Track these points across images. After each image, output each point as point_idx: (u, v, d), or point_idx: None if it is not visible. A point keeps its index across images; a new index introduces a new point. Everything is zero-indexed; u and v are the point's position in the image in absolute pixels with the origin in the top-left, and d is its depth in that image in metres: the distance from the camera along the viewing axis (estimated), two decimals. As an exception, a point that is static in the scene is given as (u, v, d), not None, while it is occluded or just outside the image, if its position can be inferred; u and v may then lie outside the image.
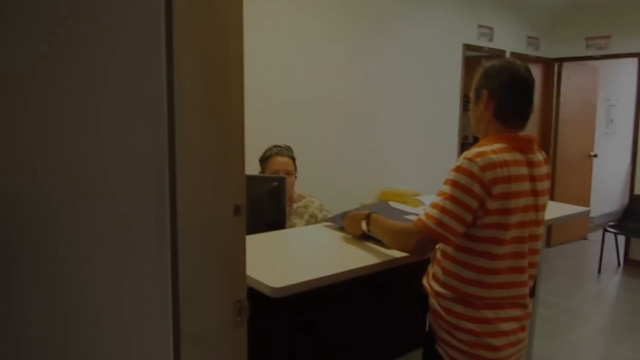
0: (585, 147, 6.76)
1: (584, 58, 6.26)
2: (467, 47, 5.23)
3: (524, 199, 1.61)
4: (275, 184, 2.12)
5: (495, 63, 1.71)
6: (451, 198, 1.54)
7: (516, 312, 1.68)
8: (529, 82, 1.69)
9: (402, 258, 1.74)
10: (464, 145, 5.65)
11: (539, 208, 1.70)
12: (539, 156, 1.71)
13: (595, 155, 6.90)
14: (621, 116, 7.73)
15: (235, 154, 1.26)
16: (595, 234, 6.77)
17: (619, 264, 5.81)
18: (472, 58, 5.58)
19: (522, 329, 1.72)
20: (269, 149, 2.83)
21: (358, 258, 1.70)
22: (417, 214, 2.04)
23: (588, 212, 2.64)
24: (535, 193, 1.66)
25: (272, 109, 3.80)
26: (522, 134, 1.72)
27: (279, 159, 2.78)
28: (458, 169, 1.56)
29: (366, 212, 1.88)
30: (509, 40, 5.73)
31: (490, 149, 1.58)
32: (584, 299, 4.76)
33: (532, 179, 1.65)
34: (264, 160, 2.81)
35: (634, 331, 4.08)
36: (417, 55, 4.78)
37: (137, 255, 1.19)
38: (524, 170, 1.62)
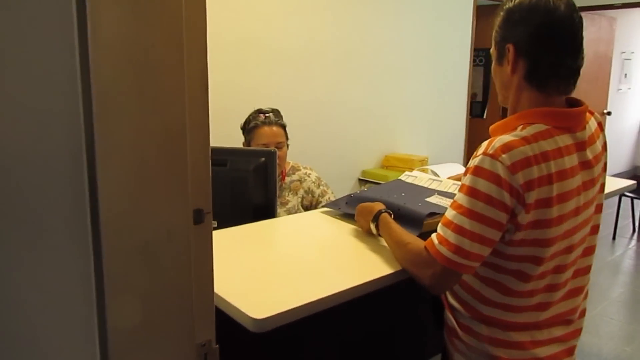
0: (599, 105, 6.32)
1: (603, 7, 5.75)
2: (479, -6, 4.73)
3: (574, 201, 1.20)
4: (263, 159, 1.71)
5: (523, 1, 1.22)
6: (470, 213, 1.14)
7: (558, 331, 1.30)
8: (574, 23, 1.20)
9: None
10: (473, 105, 5.21)
11: (593, 200, 1.28)
12: (592, 126, 1.28)
13: (609, 113, 6.48)
14: (636, 70, 7.27)
15: (194, 130, 0.86)
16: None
17: (634, 229, 5.48)
18: (484, 7, 5.08)
19: (569, 352, 1.33)
20: (254, 117, 2.39)
21: (368, 265, 1.31)
22: (444, 195, 1.64)
23: (634, 185, 2.25)
24: (590, 184, 1.25)
25: (254, 63, 3.34)
26: (569, 99, 1.28)
27: (267, 129, 2.35)
28: (477, 171, 1.14)
29: (376, 208, 1.48)
30: (523, -13, 5.21)
31: (520, 137, 1.15)
32: (600, 270, 4.44)
33: (586, 165, 1.23)
34: (249, 131, 2.38)
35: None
36: (424, 4, 4.28)
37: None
38: (572, 161, 1.19)
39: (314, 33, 3.55)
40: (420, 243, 1.25)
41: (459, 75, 4.76)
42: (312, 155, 3.67)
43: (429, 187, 1.71)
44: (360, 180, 4.08)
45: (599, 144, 1.29)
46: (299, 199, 2.42)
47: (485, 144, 1.19)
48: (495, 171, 1.12)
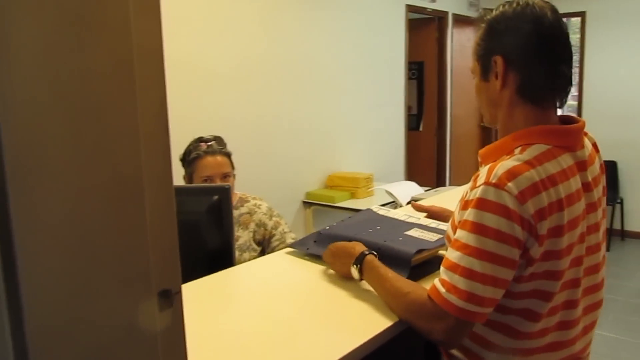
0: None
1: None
2: (410, 8, 4.70)
3: (580, 227, 1.07)
4: (216, 197, 1.48)
5: (506, 10, 1.10)
6: (479, 253, 0.98)
7: None
8: (563, 28, 1.10)
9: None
10: (409, 118, 5.17)
11: (598, 226, 1.15)
12: (588, 145, 1.16)
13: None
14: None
15: (153, 183, 0.65)
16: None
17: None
18: (414, 20, 5.08)
19: None
20: (194, 146, 2.13)
21: (360, 319, 1.11)
22: (425, 228, 1.47)
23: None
24: (591, 208, 1.12)
25: (186, 86, 3.08)
26: (562, 117, 1.16)
27: (210, 160, 2.10)
28: (481, 204, 0.99)
29: (358, 250, 1.25)
30: (450, 1, 5.27)
31: (524, 162, 1.01)
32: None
33: (587, 188, 1.10)
34: (189, 162, 2.12)
35: None
36: (359, 19, 4.18)
37: None
38: (577, 183, 1.07)
39: (247, 52, 3.34)
40: (422, 291, 1.07)
41: (396, 89, 4.70)
42: (252, 180, 3.44)
43: (409, 221, 1.52)
44: (304, 202, 3.89)
45: (597, 166, 1.17)
46: (251, 234, 2.18)
47: (484, 172, 1.03)
48: (503, 202, 0.97)
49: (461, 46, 5.58)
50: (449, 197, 2.24)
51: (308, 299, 1.23)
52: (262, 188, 3.52)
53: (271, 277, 1.37)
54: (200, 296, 1.24)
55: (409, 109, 5.30)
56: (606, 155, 5.58)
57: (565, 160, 1.06)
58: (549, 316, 1.08)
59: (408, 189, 2.56)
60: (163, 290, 0.63)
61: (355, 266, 1.23)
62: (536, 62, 1.08)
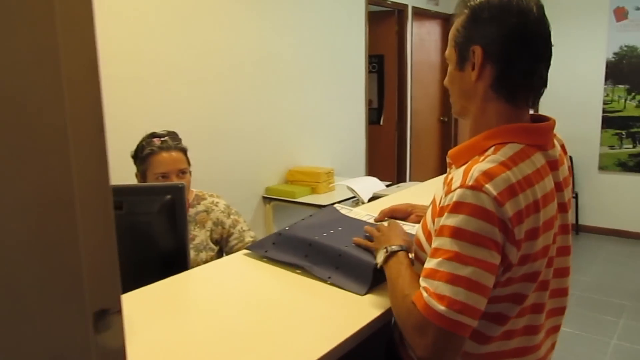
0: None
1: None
2: (370, 0, 4.66)
3: (554, 227, 1.05)
4: (169, 196, 1.40)
5: None
6: (460, 258, 0.93)
7: None
8: (547, 27, 1.06)
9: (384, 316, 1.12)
10: (370, 112, 5.15)
11: (568, 227, 1.13)
12: (557, 145, 1.13)
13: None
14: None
15: (88, 193, 0.57)
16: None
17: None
18: (374, 13, 5.05)
19: None
20: (147, 142, 2.03)
21: (327, 324, 1.06)
22: (370, 222, 1.42)
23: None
24: (563, 208, 1.10)
25: (138, 80, 2.96)
26: (532, 116, 1.13)
27: (165, 155, 2.00)
28: (458, 208, 0.94)
29: (398, 239, 1.21)
30: (409, -7, 5.26)
31: (499, 162, 0.97)
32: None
33: (559, 187, 1.08)
34: (142, 159, 2.01)
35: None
36: (318, 11, 4.11)
37: None
38: (550, 183, 1.04)
39: (204, 44, 3.23)
40: (407, 297, 1.01)
41: (356, 83, 4.67)
42: (210, 175, 3.34)
43: (364, 219, 1.47)
44: (264, 198, 3.81)
45: (566, 167, 1.15)
46: (208, 233, 2.10)
47: (458, 175, 0.98)
48: (481, 204, 0.93)
49: (421, 40, 5.59)
50: (410, 193, 2.21)
51: (267, 304, 1.17)
52: (220, 183, 3.43)
53: (228, 280, 1.31)
54: (150, 304, 1.16)
55: (369, 102, 5.28)
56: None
57: (539, 160, 1.03)
58: (516, 318, 1.05)
59: (369, 185, 2.53)
60: (100, 310, 0.56)
61: (383, 250, 1.18)
62: (515, 57, 1.03)
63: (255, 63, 3.60)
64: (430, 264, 0.96)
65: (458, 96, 1.13)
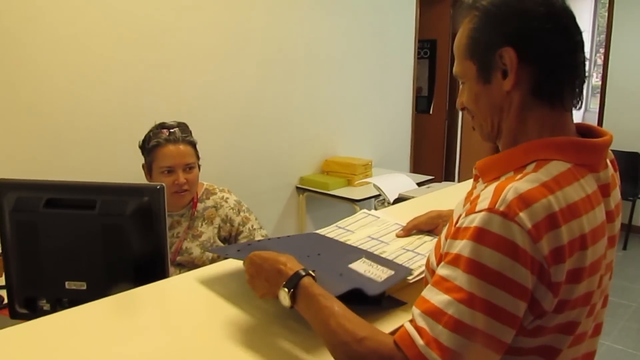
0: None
1: None
2: (422, -19, 4.37)
3: (601, 269, 0.84)
4: (146, 198, 1.26)
5: None
6: (476, 304, 0.73)
7: None
8: (572, 13, 0.87)
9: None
10: (418, 100, 4.88)
11: (611, 265, 0.91)
12: (608, 163, 0.90)
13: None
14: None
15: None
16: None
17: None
18: (426, -5, 4.75)
19: None
20: (155, 133, 1.92)
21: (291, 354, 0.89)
22: (372, 258, 1.20)
23: None
24: (612, 242, 0.89)
25: (160, 63, 2.85)
26: (578, 127, 0.92)
27: (172, 148, 1.88)
28: (481, 236, 0.74)
29: (292, 268, 0.96)
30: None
31: (540, 184, 0.76)
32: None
33: (610, 217, 0.87)
34: (149, 150, 1.91)
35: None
36: (363, -9, 3.88)
37: None
38: (601, 214, 0.83)
39: (237, 27, 3.08)
40: (384, 338, 0.79)
41: (404, 69, 4.40)
42: (242, 163, 3.22)
43: (355, 246, 1.26)
44: (298, 188, 3.66)
45: (618, 190, 0.92)
46: (215, 230, 1.97)
47: (488, 193, 0.77)
48: (512, 238, 0.72)
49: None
50: (440, 196, 1.99)
51: (235, 324, 1.01)
52: (253, 171, 3.30)
53: (202, 292, 1.15)
54: (119, 311, 1.03)
55: (419, 90, 5.01)
56: (628, 146, 5.19)
57: (590, 184, 0.82)
58: None
59: (398, 183, 2.32)
60: None
61: (286, 290, 0.94)
62: (556, 50, 0.84)
63: (293, 48, 3.42)
64: (436, 298, 0.76)
65: (487, 114, 0.91)
